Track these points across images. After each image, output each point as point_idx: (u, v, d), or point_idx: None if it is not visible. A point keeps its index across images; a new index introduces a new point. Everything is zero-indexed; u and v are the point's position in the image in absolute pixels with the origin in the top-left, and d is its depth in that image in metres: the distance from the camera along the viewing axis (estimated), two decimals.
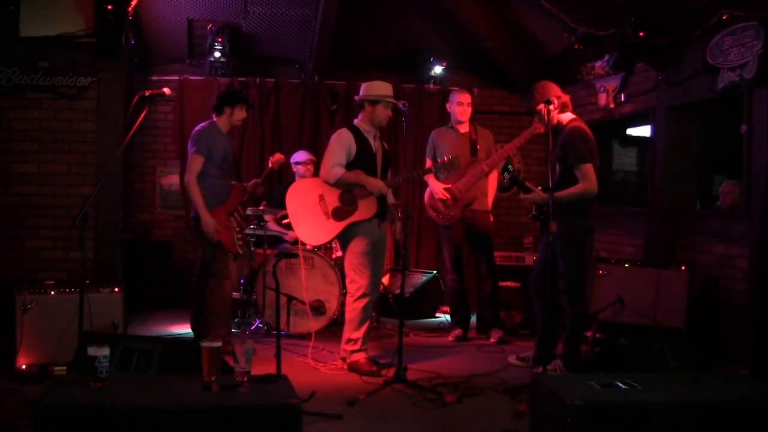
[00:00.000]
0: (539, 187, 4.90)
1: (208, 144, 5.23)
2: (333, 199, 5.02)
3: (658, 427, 2.86)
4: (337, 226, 5.02)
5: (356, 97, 5.13)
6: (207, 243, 5.23)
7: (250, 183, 5.64)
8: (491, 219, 6.20)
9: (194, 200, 5.19)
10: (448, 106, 6.18)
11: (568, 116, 4.93)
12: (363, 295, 4.96)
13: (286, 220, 6.36)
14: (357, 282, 4.97)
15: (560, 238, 4.67)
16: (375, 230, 5.05)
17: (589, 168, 4.73)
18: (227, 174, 5.42)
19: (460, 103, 6.05)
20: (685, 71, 5.84)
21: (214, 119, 5.37)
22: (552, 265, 4.64)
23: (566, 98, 4.93)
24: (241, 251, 5.39)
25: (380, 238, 5.11)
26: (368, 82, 5.08)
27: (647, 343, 3.71)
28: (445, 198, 5.93)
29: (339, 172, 4.96)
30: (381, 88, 5.04)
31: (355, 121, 5.14)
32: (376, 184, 4.96)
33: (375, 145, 5.10)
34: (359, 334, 4.96)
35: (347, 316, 5.02)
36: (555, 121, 4.87)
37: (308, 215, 5.07)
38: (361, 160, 5.01)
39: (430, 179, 6.06)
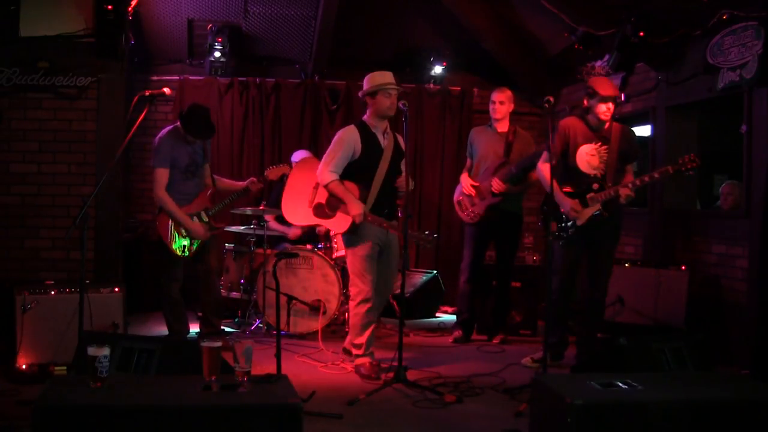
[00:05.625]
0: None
1: (171, 153, 5.25)
2: (323, 195, 5.03)
3: (658, 427, 2.86)
4: (310, 220, 5.13)
5: (359, 94, 5.05)
6: (159, 246, 5.32)
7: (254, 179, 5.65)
8: (523, 220, 6.15)
9: (173, 214, 5.23)
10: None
11: None
12: (364, 300, 4.87)
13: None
14: (358, 286, 4.89)
15: (617, 237, 5.09)
16: (382, 233, 4.93)
17: None
18: (193, 177, 5.39)
19: (493, 102, 5.95)
20: (685, 71, 5.84)
21: (178, 124, 5.33)
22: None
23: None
24: (187, 256, 5.31)
25: (386, 240, 4.98)
26: (369, 75, 4.97)
27: (647, 343, 3.71)
28: (470, 194, 5.91)
29: (331, 178, 4.85)
30: (378, 77, 4.92)
31: (364, 117, 5.04)
32: (355, 209, 4.77)
33: (384, 141, 4.98)
34: (362, 339, 4.90)
35: (350, 320, 4.98)
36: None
37: (298, 194, 5.18)
38: (367, 157, 4.91)
39: (462, 175, 6.04)
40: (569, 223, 4.94)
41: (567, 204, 4.89)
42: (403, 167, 5.06)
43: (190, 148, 5.35)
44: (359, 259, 4.88)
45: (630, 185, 4.80)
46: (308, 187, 5.13)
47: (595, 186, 4.89)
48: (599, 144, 4.94)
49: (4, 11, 5.41)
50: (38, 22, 5.56)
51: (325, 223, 5.10)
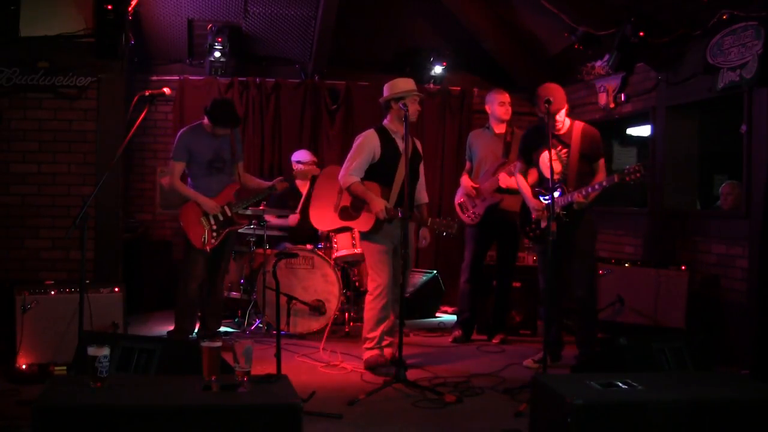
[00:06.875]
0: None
1: (188, 147, 5.29)
2: (347, 199, 5.17)
3: (658, 427, 2.86)
4: (337, 223, 5.27)
5: (381, 99, 5.14)
6: (183, 241, 5.35)
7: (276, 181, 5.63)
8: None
9: (187, 195, 5.30)
10: (487, 107, 6.08)
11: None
12: (380, 295, 4.97)
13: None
14: (375, 281, 5.01)
15: (590, 235, 5.11)
16: (395, 230, 4.96)
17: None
18: (219, 173, 5.40)
19: (503, 103, 5.96)
20: (685, 71, 5.84)
21: (204, 121, 5.35)
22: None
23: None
24: (208, 250, 5.31)
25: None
26: (390, 81, 5.11)
27: (647, 343, 3.71)
28: (471, 194, 5.95)
29: (352, 180, 5.02)
30: (403, 83, 5.07)
31: (384, 122, 5.16)
32: (377, 206, 4.91)
33: (402, 145, 5.04)
34: (376, 333, 5.00)
35: (365, 314, 5.06)
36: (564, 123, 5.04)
37: (325, 199, 5.38)
38: (386, 161, 5.04)
39: (463, 177, 6.11)
40: (534, 225, 5.11)
41: (531, 204, 5.10)
42: (422, 187, 5.30)
43: (215, 143, 5.36)
44: (377, 254, 5.02)
45: (583, 193, 4.85)
46: (334, 192, 5.28)
47: (558, 190, 4.94)
48: (560, 147, 5.00)
49: (4, 11, 5.41)
50: (38, 22, 5.57)
51: (350, 225, 5.25)
